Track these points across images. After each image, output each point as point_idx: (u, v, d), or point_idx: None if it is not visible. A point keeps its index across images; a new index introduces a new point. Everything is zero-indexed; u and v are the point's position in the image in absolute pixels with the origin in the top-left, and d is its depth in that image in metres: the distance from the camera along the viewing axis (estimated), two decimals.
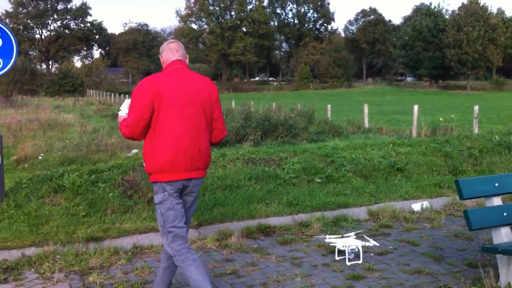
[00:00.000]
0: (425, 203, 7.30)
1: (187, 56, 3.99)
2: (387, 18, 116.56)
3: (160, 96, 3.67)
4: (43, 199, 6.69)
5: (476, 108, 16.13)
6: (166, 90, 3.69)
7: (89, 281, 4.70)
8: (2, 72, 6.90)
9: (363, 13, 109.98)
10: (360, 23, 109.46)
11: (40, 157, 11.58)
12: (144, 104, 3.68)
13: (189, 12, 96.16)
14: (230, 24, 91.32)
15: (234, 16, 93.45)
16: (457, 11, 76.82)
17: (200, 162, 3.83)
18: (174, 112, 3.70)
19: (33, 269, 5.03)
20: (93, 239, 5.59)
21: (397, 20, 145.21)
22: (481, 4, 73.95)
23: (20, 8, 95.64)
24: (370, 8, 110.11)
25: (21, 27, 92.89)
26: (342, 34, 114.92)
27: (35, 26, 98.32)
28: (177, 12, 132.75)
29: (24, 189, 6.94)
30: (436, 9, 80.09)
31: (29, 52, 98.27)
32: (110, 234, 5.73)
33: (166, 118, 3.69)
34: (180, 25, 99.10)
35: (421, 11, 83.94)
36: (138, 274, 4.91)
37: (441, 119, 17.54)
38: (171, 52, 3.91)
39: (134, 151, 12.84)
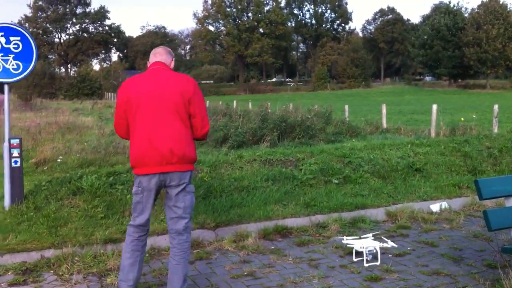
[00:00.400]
0: (444, 204, 7.23)
1: (173, 60, 4.35)
2: (405, 17, 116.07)
3: (131, 98, 4.04)
4: (62, 201, 6.75)
5: (495, 107, 15.92)
6: (138, 92, 4.04)
7: (107, 283, 4.73)
8: (22, 76, 6.97)
9: (381, 12, 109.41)
10: (378, 23, 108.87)
11: (59, 160, 11.70)
12: (120, 106, 4.13)
13: (206, 14, 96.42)
14: (247, 26, 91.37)
15: (251, 18, 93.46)
16: (476, 9, 75.98)
17: (173, 157, 4.02)
18: (146, 111, 4.01)
19: (51, 271, 5.08)
20: (111, 241, 5.63)
21: (415, 19, 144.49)
22: (500, 2, 73.03)
23: (40, 13, 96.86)
24: (388, 7, 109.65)
25: (41, 31, 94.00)
26: (360, 34, 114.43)
27: (54, 30, 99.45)
28: (194, 14, 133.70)
29: (43, 191, 7.01)
30: (455, 8, 79.34)
31: (48, 56, 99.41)
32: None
33: (139, 117, 4.03)
34: (197, 27, 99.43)
35: (440, 10, 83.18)
36: (156, 275, 4.93)
37: (462, 119, 17.37)
38: (154, 55, 4.31)
39: None
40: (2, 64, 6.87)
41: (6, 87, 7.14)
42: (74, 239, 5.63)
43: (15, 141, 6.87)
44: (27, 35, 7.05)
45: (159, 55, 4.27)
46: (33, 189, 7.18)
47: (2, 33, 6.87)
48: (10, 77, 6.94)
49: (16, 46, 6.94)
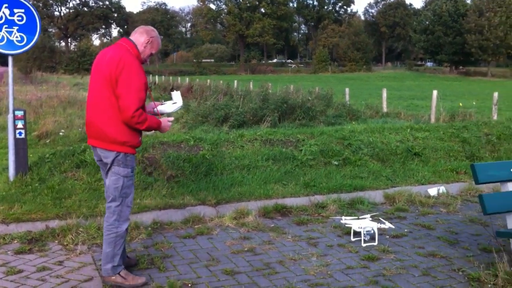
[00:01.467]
0: (442, 188, 7.33)
1: (148, 41, 4.20)
2: (407, 2, 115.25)
3: (91, 70, 4.26)
4: (66, 174, 6.84)
5: (495, 94, 16.00)
6: (93, 65, 4.22)
7: None
8: (26, 48, 7.00)
9: None
10: (380, 6, 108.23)
11: (61, 133, 11.78)
12: None
13: None
14: (248, 5, 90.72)
15: None
16: None
17: (91, 131, 4.18)
18: (89, 84, 4.20)
19: (56, 241, 5.19)
20: None
21: (418, 4, 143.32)
22: None
23: None
24: None
25: (41, 4, 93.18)
26: (362, 17, 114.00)
27: (54, 3, 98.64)
28: None
29: (47, 163, 7.09)
30: None
31: (48, 29, 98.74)
32: (131, 209, 5.85)
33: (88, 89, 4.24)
34: (199, 4, 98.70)
35: None
36: (158, 248, 5.04)
37: (460, 104, 17.44)
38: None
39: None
40: (6, 36, 6.90)
41: (10, 59, 7.17)
42: (78, 210, 5.73)
43: (19, 113, 6.93)
44: (31, 7, 7.06)
45: (133, 33, 4.27)
46: (37, 161, 7.27)
47: (6, 5, 6.88)
48: (14, 49, 6.98)
49: (20, 18, 6.96)
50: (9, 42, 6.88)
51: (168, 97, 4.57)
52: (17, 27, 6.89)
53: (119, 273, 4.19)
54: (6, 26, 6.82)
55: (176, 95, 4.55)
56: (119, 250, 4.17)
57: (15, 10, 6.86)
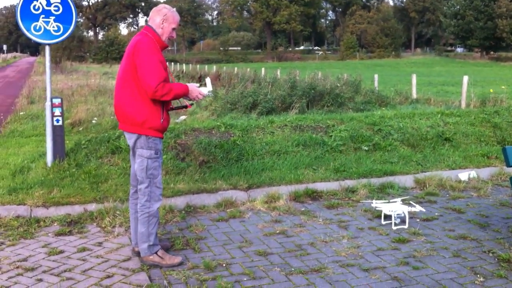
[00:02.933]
0: (472, 173, 7.32)
1: (163, 19, 4.26)
2: None
3: None
4: (102, 159, 7.05)
5: None
6: None
7: None
8: (63, 37, 7.20)
9: None
10: None
11: (93, 121, 12.03)
12: None
13: None
14: None
15: None
16: None
17: (119, 116, 4.35)
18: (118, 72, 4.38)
19: (95, 223, 5.39)
20: None
21: None
22: None
23: None
24: None
25: None
26: (391, 3, 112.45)
27: None
28: None
29: (84, 149, 7.31)
30: None
31: (77, 19, 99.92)
32: (165, 193, 5.99)
33: None
34: None
35: None
36: (192, 230, 5.19)
37: (491, 90, 17.19)
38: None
39: (182, 117, 13.17)
40: (44, 25, 7.11)
41: (47, 48, 7.39)
42: (115, 194, 5.91)
43: (56, 100, 7.15)
44: None
45: (149, 19, 4.36)
46: (74, 147, 7.50)
47: None
48: (51, 38, 7.20)
49: (56, 8, 7.16)
50: (46, 31, 7.09)
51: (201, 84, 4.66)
52: (54, 17, 7.09)
53: (156, 253, 4.34)
54: (43, 16, 7.03)
55: (208, 82, 4.69)
56: (153, 229, 4.33)
57: (52, 1, 7.07)
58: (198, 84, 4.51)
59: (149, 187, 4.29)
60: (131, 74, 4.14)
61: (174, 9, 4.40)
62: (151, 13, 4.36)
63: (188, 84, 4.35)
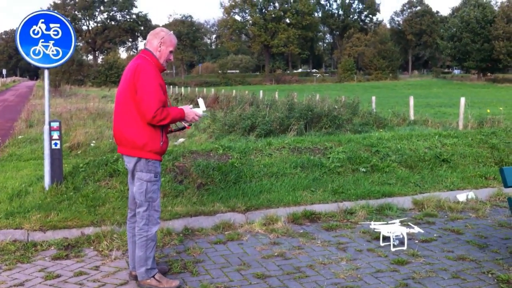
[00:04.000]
0: (471, 194, 7.32)
1: (161, 42, 4.30)
2: (434, 9, 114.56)
3: None
4: (99, 183, 7.04)
5: None
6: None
7: None
8: (62, 61, 7.24)
9: (410, 4, 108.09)
10: (406, 14, 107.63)
11: (92, 144, 12.04)
12: None
13: (233, 3, 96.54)
14: (273, 15, 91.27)
15: (277, 7, 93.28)
16: (506, 2, 74.67)
17: (118, 139, 4.33)
18: (116, 96, 4.38)
19: (92, 247, 5.36)
20: None
21: (444, 11, 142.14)
22: None
23: (68, 0, 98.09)
24: None
25: (69, 19, 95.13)
26: (388, 26, 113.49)
27: (82, 18, 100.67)
28: (221, 4, 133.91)
29: (82, 173, 7.30)
30: (484, 0, 78.02)
31: (76, 43, 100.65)
32: (163, 216, 6.00)
33: None
34: (224, 16, 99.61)
35: (469, 2, 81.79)
36: (190, 253, 5.16)
37: (488, 111, 17.26)
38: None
39: (181, 140, 13.19)
40: (43, 50, 7.15)
41: (46, 72, 7.43)
42: (112, 218, 5.89)
43: (55, 124, 7.17)
44: (66, 22, 7.32)
45: (147, 42, 4.38)
46: (71, 170, 7.49)
47: (43, 20, 7.14)
48: (50, 62, 7.23)
49: (55, 32, 7.21)
50: (45, 56, 7.13)
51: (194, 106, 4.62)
52: (53, 41, 7.14)
53: (153, 277, 4.31)
54: (43, 40, 7.08)
55: (201, 102, 4.66)
56: (151, 253, 4.30)
57: (51, 25, 7.12)
58: (191, 106, 4.48)
59: (147, 210, 4.27)
60: (132, 98, 4.15)
61: (172, 32, 4.43)
62: (148, 36, 4.38)
63: (183, 107, 4.36)
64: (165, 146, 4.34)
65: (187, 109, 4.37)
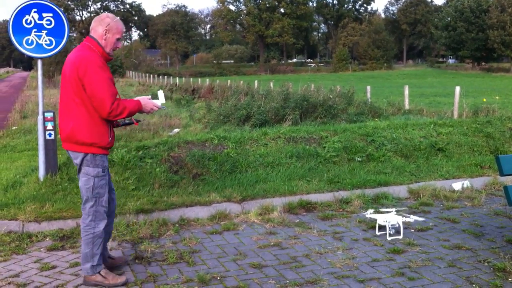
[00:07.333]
0: (466, 183, 7.33)
1: (107, 29, 4.06)
2: None
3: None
4: None
5: None
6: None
7: (141, 249, 4.97)
8: (55, 51, 7.18)
9: None
10: (401, 4, 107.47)
11: None
12: None
13: None
14: (268, 5, 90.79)
15: None
16: None
17: (65, 136, 4.07)
18: (60, 89, 4.13)
19: None
20: (142, 211, 5.85)
21: (439, 0, 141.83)
22: None
23: None
24: None
25: (62, 9, 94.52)
26: (382, 15, 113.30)
27: (75, 8, 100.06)
28: None
29: None
30: None
31: (70, 34, 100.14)
32: (158, 206, 5.99)
33: None
34: (218, 6, 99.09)
35: None
36: (186, 244, 5.15)
37: (484, 99, 17.28)
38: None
39: (176, 130, 13.16)
40: (36, 40, 7.09)
41: (39, 62, 7.36)
42: None
43: (49, 114, 7.12)
44: (59, 11, 7.25)
45: (91, 29, 4.11)
46: (66, 161, 7.44)
47: (35, 9, 7.07)
48: (43, 52, 7.17)
49: (48, 22, 7.14)
50: (38, 45, 7.07)
51: (155, 97, 4.45)
52: (46, 31, 7.08)
53: (99, 272, 4.19)
54: (35, 30, 7.02)
55: (161, 94, 4.51)
56: (98, 250, 4.16)
57: (44, 15, 7.05)
58: (149, 96, 4.32)
59: (94, 206, 4.12)
60: (77, 94, 3.93)
61: (118, 18, 4.19)
62: (92, 23, 4.13)
63: (139, 98, 4.18)
64: (113, 140, 4.21)
65: (145, 100, 4.20)
